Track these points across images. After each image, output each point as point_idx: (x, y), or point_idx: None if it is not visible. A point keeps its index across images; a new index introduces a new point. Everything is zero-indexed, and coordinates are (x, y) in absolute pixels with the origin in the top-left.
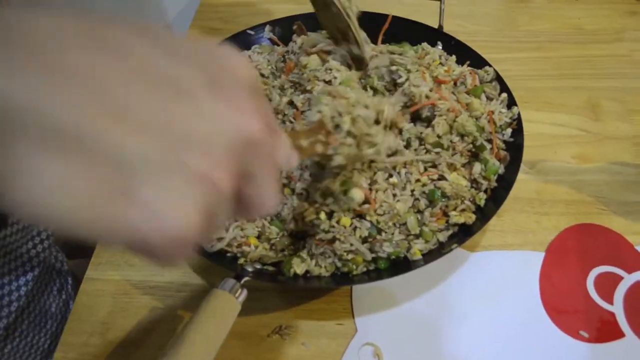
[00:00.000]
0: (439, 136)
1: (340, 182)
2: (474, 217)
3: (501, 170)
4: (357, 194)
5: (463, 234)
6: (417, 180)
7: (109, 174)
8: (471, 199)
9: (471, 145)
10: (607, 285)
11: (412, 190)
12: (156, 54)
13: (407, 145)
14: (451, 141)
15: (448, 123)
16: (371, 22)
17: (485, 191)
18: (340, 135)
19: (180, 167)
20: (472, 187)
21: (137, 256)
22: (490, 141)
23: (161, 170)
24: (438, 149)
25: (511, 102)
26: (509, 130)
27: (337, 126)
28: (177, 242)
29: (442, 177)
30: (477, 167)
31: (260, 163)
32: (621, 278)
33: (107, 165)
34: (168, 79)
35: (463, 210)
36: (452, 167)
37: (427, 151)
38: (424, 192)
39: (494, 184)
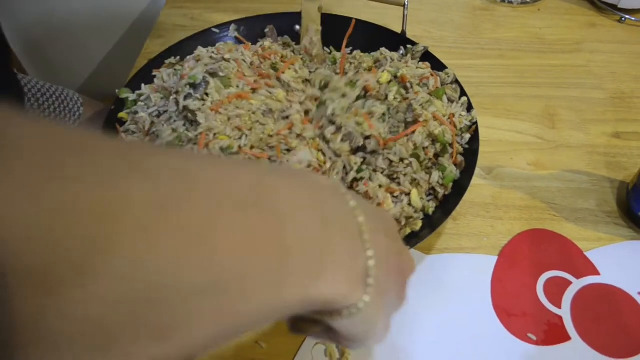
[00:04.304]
0: (416, 146)
1: None
2: (420, 224)
3: (457, 176)
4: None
5: (414, 237)
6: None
7: None
8: (422, 210)
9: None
10: (556, 289)
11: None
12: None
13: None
14: (424, 147)
15: (429, 130)
16: (336, 25)
17: (438, 197)
18: None
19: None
20: (430, 194)
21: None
22: (451, 145)
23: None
24: (412, 160)
25: (469, 107)
26: (467, 136)
27: None
28: None
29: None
30: (435, 175)
31: None
32: (570, 283)
33: None
34: None
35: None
36: (414, 182)
37: (402, 159)
38: None
39: (450, 191)
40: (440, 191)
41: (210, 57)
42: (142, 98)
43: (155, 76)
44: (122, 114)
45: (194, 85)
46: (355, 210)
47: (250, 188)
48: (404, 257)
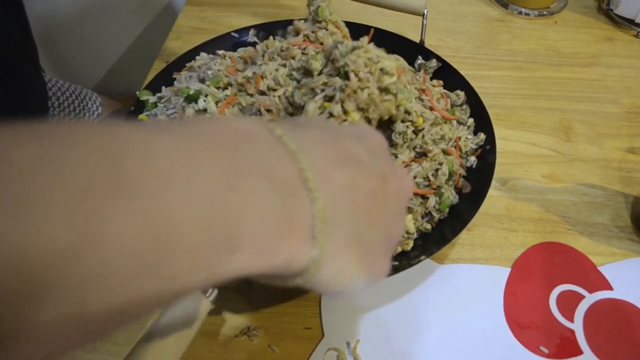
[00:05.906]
0: (415, 178)
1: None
2: (411, 243)
3: (456, 200)
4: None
5: (431, 247)
6: None
7: None
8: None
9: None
10: (568, 303)
11: None
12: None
13: None
14: (427, 178)
15: (438, 161)
16: (354, 33)
17: (434, 220)
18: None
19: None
20: (425, 215)
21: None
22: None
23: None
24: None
25: (485, 122)
26: (473, 159)
27: None
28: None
29: None
30: (432, 201)
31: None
32: (582, 297)
33: None
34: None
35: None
36: (409, 210)
37: None
38: None
39: (446, 215)
40: (436, 215)
41: (210, 59)
42: (162, 100)
43: (175, 79)
44: (142, 116)
45: (190, 98)
46: (297, 153)
47: (108, 167)
48: (388, 182)
